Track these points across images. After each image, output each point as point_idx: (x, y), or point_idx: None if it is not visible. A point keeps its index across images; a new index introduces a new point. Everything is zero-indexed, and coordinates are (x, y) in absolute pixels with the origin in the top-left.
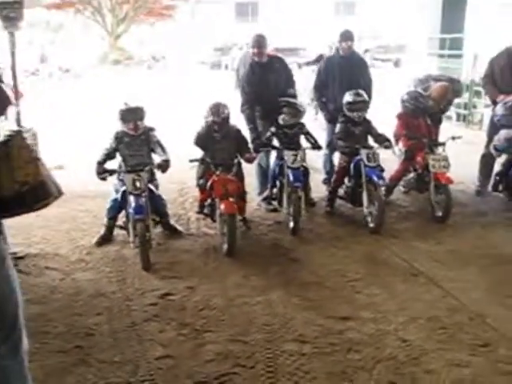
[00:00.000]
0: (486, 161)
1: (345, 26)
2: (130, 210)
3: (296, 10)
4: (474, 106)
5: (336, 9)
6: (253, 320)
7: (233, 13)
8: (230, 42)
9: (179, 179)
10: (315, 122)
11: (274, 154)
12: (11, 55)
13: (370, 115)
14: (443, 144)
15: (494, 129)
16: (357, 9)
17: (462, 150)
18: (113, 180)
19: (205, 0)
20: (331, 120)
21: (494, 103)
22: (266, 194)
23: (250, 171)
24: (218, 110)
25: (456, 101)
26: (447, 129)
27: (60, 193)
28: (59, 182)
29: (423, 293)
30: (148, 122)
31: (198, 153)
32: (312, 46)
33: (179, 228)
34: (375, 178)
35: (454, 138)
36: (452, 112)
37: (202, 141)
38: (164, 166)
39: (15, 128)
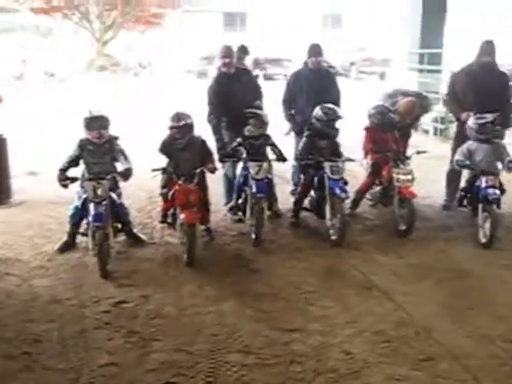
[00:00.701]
0: (453, 175)
1: (332, 39)
2: (90, 218)
3: (284, 21)
4: (451, 121)
5: (324, 21)
6: (201, 330)
7: (221, 22)
8: (217, 51)
9: (149, 187)
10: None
11: (240, 165)
12: None
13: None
14: (408, 158)
15: (458, 144)
16: (343, 22)
17: (433, 165)
18: (76, 187)
19: (193, 9)
20: (299, 132)
21: (458, 120)
22: (231, 204)
23: (218, 181)
24: (178, 117)
25: (433, 115)
26: (424, 142)
27: None
28: (30, 188)
29: (375, 306)
30: (121, 129)
31: (164, 161)
32: (298, 58)
33: (142, 237)
34: (338, 191)
35: (418, 153)
36: (429, 126)
37: (166, 148)
38: (126, 174)
39: None
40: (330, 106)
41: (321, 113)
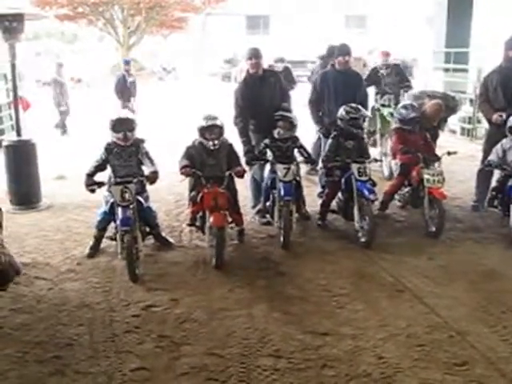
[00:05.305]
0: (483, 176)
1: (355, 40)
2: (118, 222)
3: (307, 23)
4: (479, 121)
5: (346, 22)
6: (232, 334)
7: (244, 25)
8: (240, 53)
9: (177, 191)
10: None
11: (268, 167)
12: (11, 67)
13: None
14: (439, 159)
15: (490, 145)
16: (368, 22)
17: (461, 165)
18: (103, 191)
19: (216, 12)
20: (327, 134)
21: (490, 122)
22: (259, 207)
23: (246, 183)
24: (210, 117)
25: (460, 115)
26: (451, 142)
27: (18, 273)
28: (59, 192)
29: (407, 309)
30: (147, 133)
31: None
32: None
33: (170, 240)
34: (366, 193)
35: (449, 154)
36: (456, 126)
37: (193, 151)
38: (152, 177)
39: None
40: (353, 105)
41: (344, 112)
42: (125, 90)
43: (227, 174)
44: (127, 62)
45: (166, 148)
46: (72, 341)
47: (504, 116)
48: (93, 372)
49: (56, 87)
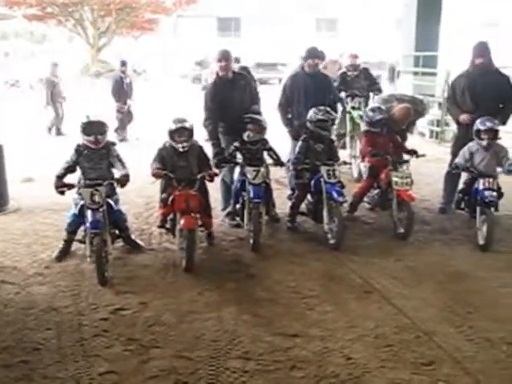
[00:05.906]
0: (451, 178)
1: (326, 43)
2: (87, 225)
3: (278, 26)
4: (447, 124)
5: (317, 25)
6: (201, 336)
7: (215, 27)
8: (211, 56)
9: (147, 193)
10: None
11: (238, 170)
12: None
13: None
14: (407, 161)
15: (458, 147)
16: (338, 25)
17: (431, 167)
18: (72, 194)
19: (187, 14)
20: (296, 137)
21: (458, 124)
22: (229, 209)
23: (216, 186)
24: (179, 120)
25: (429, 118)
26: (420, 145)
27: None
28: (27, 195)
29: (375, 310)
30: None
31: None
32: (292, 62)
33: (140, 243)
34: (335, 195)
35: (417, 156)
36: (425, 129)
37: (164, 153)
38: (123, 180)
39: None
40: (322, 107)
41: (313, 114)
42: (121, 92)
43: (199, 176)
44: (124, 63)
45: (138, 149)
46: (39, 345)
47: (469, 117)
48: (60, 377)
49: (49, 87)
